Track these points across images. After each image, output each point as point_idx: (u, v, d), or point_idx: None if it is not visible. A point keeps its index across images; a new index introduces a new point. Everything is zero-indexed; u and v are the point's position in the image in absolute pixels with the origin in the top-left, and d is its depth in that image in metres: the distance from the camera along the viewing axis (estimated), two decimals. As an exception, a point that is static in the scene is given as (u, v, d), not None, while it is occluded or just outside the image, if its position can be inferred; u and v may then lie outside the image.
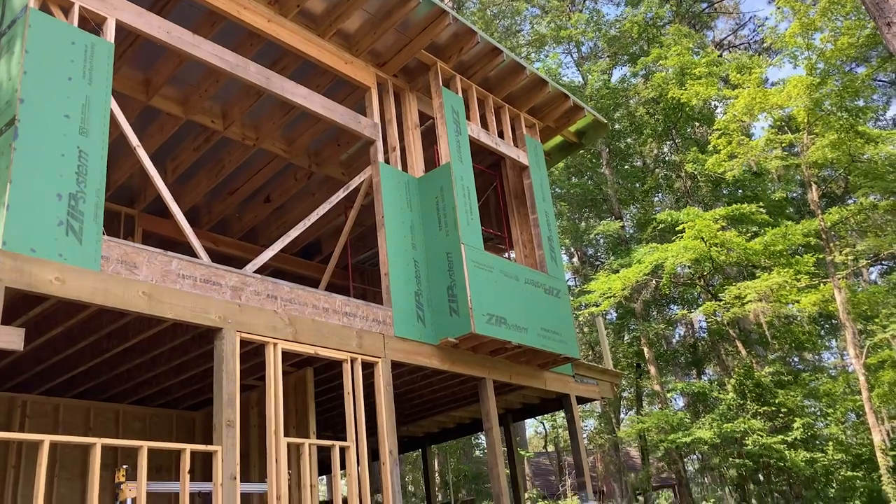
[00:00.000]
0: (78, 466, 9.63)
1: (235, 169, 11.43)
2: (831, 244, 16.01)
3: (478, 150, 11.57)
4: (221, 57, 8.07)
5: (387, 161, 9.97)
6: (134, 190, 11.84)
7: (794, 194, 26.43)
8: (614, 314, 27.93)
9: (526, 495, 23.69)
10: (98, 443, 5.56)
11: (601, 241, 30.31)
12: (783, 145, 17.04)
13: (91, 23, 6.93)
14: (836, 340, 27.47)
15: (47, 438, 5.28)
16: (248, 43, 9.19)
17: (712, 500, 21.69)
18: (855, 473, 16.59)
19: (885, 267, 28.20)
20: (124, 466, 6.19)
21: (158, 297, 6.42)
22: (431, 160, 11.06)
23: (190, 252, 7.38)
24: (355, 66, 9.82)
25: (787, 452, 16.52)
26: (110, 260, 6.18)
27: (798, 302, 16.39)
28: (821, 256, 16.96)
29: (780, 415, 17.66)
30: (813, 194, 16.01)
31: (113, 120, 6.81)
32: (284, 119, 10.51)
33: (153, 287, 6.42)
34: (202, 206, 12.63)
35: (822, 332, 25.36)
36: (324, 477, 18.98)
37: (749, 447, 17.13)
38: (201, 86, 9.81)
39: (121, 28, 7.31)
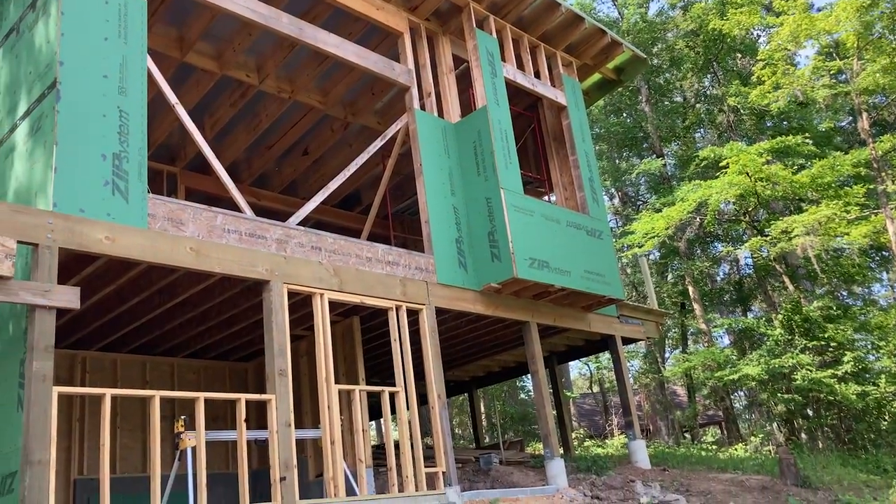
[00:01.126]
0: (138, 418, 10.00)
1: (272, 123, 11.46)
2: (883, 173, 15.52)
3: (514, 91, 11.40)
4: (253, 9, 8.02)
5: (422, 107, 9.88)
6: (174, 148, 11.96)
7: (843, 124, 25.56)
8: (658, 254, 27.65)
9: (573, 435, 23.96)
10: (157, 395, 5.75)
11: (643, 180, 29.81)
12: (831, 73, 16.43)
13: (122, -19, 6.91)
14: (888, 273, 26.89)
15: (109, 392, 5.47)
16: (278, -7, 9.09)
17: (760, 435, 21.68)
18: (907, 405, 16.38)
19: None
20: (182, 417, 6.40)
21: (206, 253, 6.53)
22: (467, 104, 10.93)
23: (232, 207, 7.46)
24: (387, 11, 9.68)
25: (837, 386, 16.33)
26: (157, 217, 6.28)
27: (848, 234, 15.99)
28: (871, 187, 16.47)
29: (830, 349, 17.40)
30: (864, 122, 15.46)
31: (150, 78, 6.85)
32: (318, 70, 10.45)
33: (200, 242, 6.52)
34: (242, 161, 12.72)
35: (873, 265, 24.80)
36: (373, 422, 19.41)
37: (798, 382, 16.96)
38: (235, 40, 9.78)
39: (152, -15, 7.29)
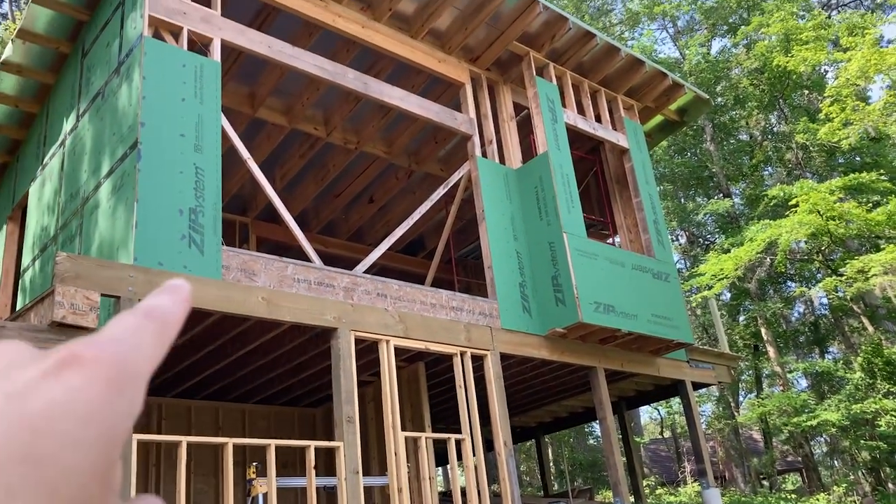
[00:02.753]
0: (211, 463, 10.22)
1: (339, 173, 11.79)
2: (964, 209, 14.91)
3: (575, 136, 11.46)
4: (320, 66, 8.34)
5: (484, 154, 10.03)
6: (246, 198, 12.41)
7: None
8: (728, 295, 26.98)
9: (644, 482, 23.31)
10: (230, 442, 5.91)
11: (710, 220, 29.29)
12: (904, 107, 15.97)
13: (198, 44, 7.32)
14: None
15: (185, 440, 5.65)
16: (344, 49, 9.45)
17: (844, 485, 20.66)
18: None
19: None
20: (255, 463, 6.54)
21: (276, 302, 6.73)
22: (528, 150, 11.04)
23: (301, 255, 7.68)
24: (448, 63, 9.92)
25: (925, 433, 15.54)
26: (230, 269, 6.53)
27: (929, 273, 15.35)
28: (953, 223, 15.81)
29: (916, 394, 16.61)
30: (941, 157, 14.94)
31: (224, 134, 7.19)
32: (383, 121, 10.75)
33: (271, 292, 6.73)
34: (310, 210, 13.09)
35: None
36: (440, 468, 19.32)
37: (882, 429, 16.19)
38: (303, 95, 10.17)
39: (225, 46, 7.68)
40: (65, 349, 0.33)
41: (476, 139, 9.82)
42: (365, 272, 7.85)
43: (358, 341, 7.46)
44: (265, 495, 6.24)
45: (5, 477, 0.29)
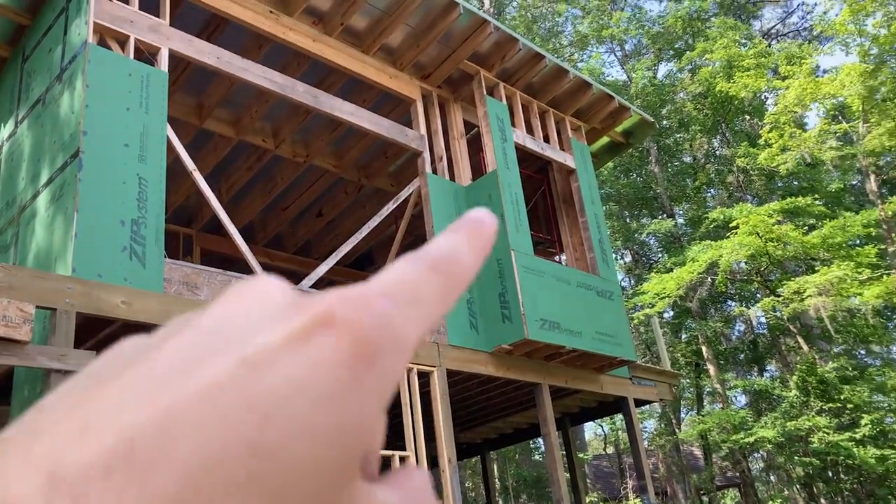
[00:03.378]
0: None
1: (288, 186, 11.71)
2: (893, 234, 15.53)
3: (524, 155, 11.61)
4: (270, 79, 8.29)
5: (434, 171, 10.08)
6: (191, 210, 12.21)
7: (853, 183, 25.71)
8: (670, 313, 27.54)
9: (587, 499, 23.51)
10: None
11: (653, 240, 29.93)
12: (837, 135, 16.62)
13: (146, 53, 7.21)
14: (904, 332, 26.56)
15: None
16: (294, 63, 9.42)
17: (779, 500, 21.20)
18: (929, 470, 16.04)
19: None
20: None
21: (219, 316, 6.62)
22: (478, 167, 11.14)
23: (247, 269, 7.59)
24: (400, 79, 9.97)
25: (855, 450, 16.05)
26: (172, 282, 6.41)
27: (861, 295, 15.94)
28: (883, 247, 16.48)
29: (847, 411, 17.17)
30: (871, 184, 15.58)
31: (169, 145, 7.08)
32: (333, 135, 10.73)
33: (214, 306, 6.62)
34: (257, 222, 12.95)
35: (890, 325, 24.59)
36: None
37: (815, 445, 16.69)
38: (252, 107, 10.08)
39: (173, 56, 7.58)
40: (322, 303, 0.26)
41: (426, 155, 9.87)
42: (312, 287, 7.79)
43: (303, 357, 7.37)
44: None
45: (229, 469, 0.22)
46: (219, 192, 11.57)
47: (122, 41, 7.03)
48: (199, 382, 0.24)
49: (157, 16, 7.41)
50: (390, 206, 9.33)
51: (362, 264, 14.69)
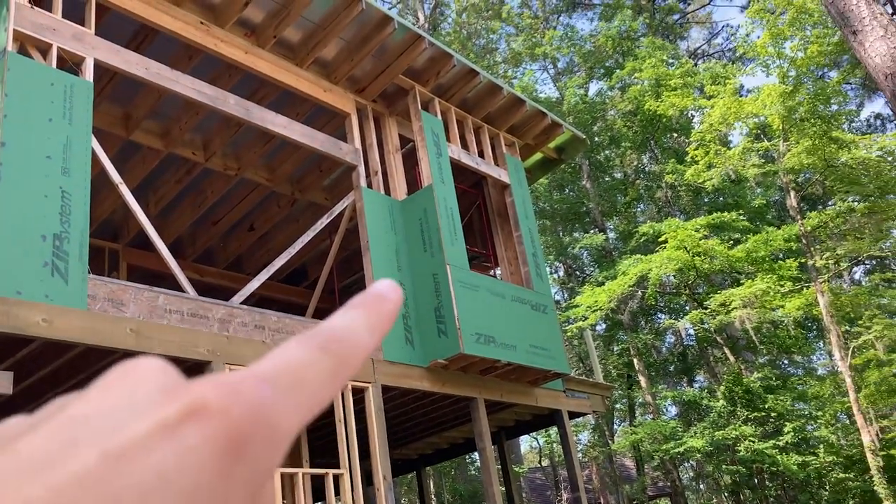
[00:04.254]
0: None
1: (218, 199, 11.47)
2: (812, 248, 16.21)
3: (460, 170, 11.67)
4: (200, 90, 8.13)
5: (369, 185, 10.04)
6: (117, 224, 11.84)
7: (775, 199, 26.76)
8: (603, 326, 28.04)
9: (522, 512, 23.61)
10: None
11: (586, 254, 30.47)
12: (760, 153, 17.28)
13: (69, 63, 6.98)
14: (824, 342, 27.71)
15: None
16: (226, 74, 9.26)
17: (708, 508, 21.73)
18: (847, 475, 16.67)
19: (867, 267, 28.55)
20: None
21: (146, 334, 6.43)
22: (414, 182, 11.15)
23: (176, 284, 7.39)
24: (334, 93, 9.91)
25: (779, 457, 16.60)
26: (97, 298, 6.19)
27: (783, 307, 16.55)
28: (803, 261, 17.17)
29: (771, 419, 17.76)
30: (792, 200, 16.22)
31: (94, 157, 6.85)
32: (265, 148, 10.58)
33: (141, 324, 6.43)
34: (186, 237, 12.64)
35: (810, 336, 25.59)
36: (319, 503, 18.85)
37: (742, 453, 17.19)
38: (181, 119, 9.86)
39: (99, 66, 7.36)
40: (196, 390, 0.26)
41: (361, 169, 9.82)
42: (243, 303, 7.63)
43: (234, 374, 7.21)
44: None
45: None
46: (146, 206, 11.25)
47: (45, 50, 6.79)
48: (60, 477, 0.22)
49: (83, 24, 7.18)
50: (324, 221, 9.24)
51: (296, 280, 14.49)
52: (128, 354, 6.93)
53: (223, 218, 12.12)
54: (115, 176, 7.21)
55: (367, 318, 0.31)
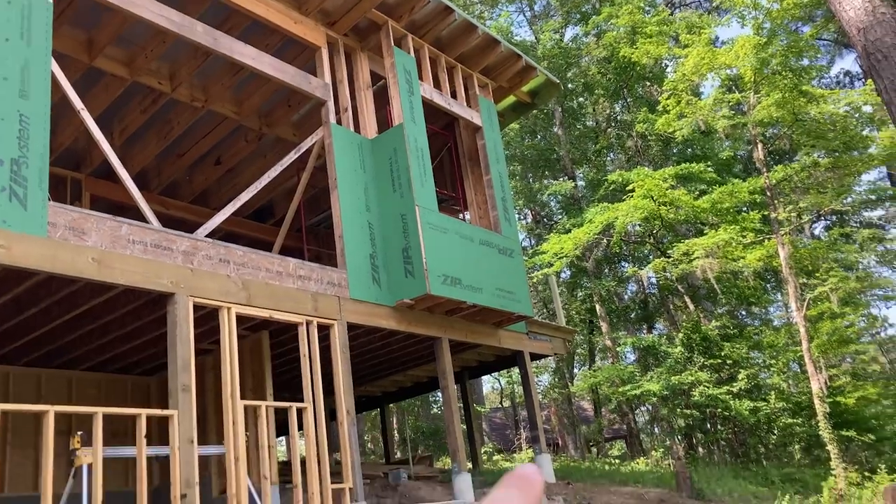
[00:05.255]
0: (31, 435, 9.55)
1: (184, 131, 11.25)
2: (776, 201, 16.46)
3: (431, 110, 11.56)
4: (167, 17, 7.88)
5: (339, 122, 9.91)
6: (79, 153, 11.57)
7: (742, 153, 26.97)
8: (567, 273, 28.36)
9: (483, 449, 24.21)
10: (51, 410, 5.55)
11: (554, 201, 30.58)
12: (731, 104, 17.35)
13: (28, -19, 6.70)
14: (781, 295, 28.42)
15: (-1, 407, 5.25)
16: (194, 1, 8.97)
17: (661, 449, 22.48)
18: (794, 420, 17.31)
19: (826, 222, 29.12)
20: (79, 433, 6.18)
21: (109, 263, 6.35)
22: (384, 121, 11.02)
23: (140, 216, 7.29)
24: (305, 25, 9.67)
25: (732, 402, 17.15)
26: (58, 226, 6.08)
27: (744, 258, 16.86)
28: (766, 213, 17.45)
29: (726, 367, 18.27)
30: (759, 152, 16.38)
31: (55, 82, 6.65)
32: (234, 80, 10.34)
33: (103, 253, 6.35)
34: (151, 169, 12.41)
35: (769, 287, 26.17)
36: (282, 438, 19.10)
37: (696, 398, 17.72)
38: (147, 46, 9.57)
39: (60, -14, 7.08)
40: None
41: (331, 105, 9.67)
42: (209, 237, 7.56)
43: (197, 308, 7.20)
44: (90, 466, 5.92)
45: None
46: (110, 136, 11.00)
47: (1, -35, 6.49)
48: None
49: (41, -60, 6.87)
50: (292, 156, 9.13)
51: (263, 216, 14.37)
52: (90, 284, 6.87)
53: (189, 150, 11.90)
54: (76, 102, 7.02)
55: (522, 497, 0.42)
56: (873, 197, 22.22)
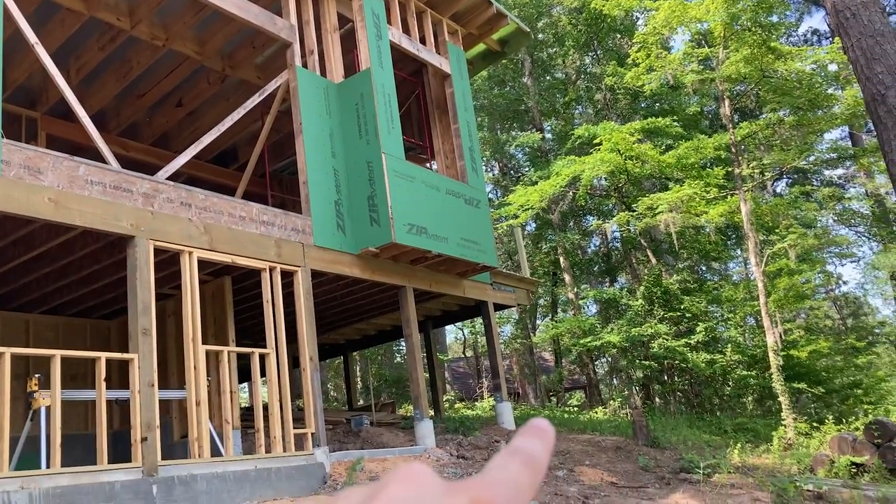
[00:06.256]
0: (-13, 377, 9.41)
1: (144, 71, 10.90)
2: (740, 157, 16.61)
3: (399, 56, 11.36)
4: (125, -52, 7.56)
5: (304, 65, 9.69)
6: (35, 91, 11.18)
7: (709, 108, 27.08)
8: (533, 225, 28.48)
9: (445, 397, 24.54)
10: (7, 352, 5.46)
11: (522, 153, 30.51)
12: (700, 59, 17.34)
13: None
14: (741, 250, 28.97)
15: (-47, 348, 5.15)
16: (153, -66, 8.62)
17: (619, 399, 23.02)
18: (749, 373, 17.81)
19: (789, 180, 29.56)
20: (37, 375, 6.10)
21: (66, 204, 6.20)
22: (351, 66, 10.81)
23: (98, 158, 7.09)
24: (270, -37, 9.37)
25: (689, 354, 17.56)
26: (12, 165, 5.90)
27: (707, 213, 17.07)
28: (730, 169, 17.62)
29: (685, 320, 18.65)
30: (725, 108, 16.46)
31: (7, 14, 6.37)
32: (196, 18, 10.01)
33: (60, 193, 6.18)
34: (110, 109, 12.06)
35: (730, 243, 26.62)
36: (245, 384, 19.14)
37: (655, 350, 18.10)
38: (104, -21, 9.19)
39: (10, -89, 6.73)
40: (471, 490, 0.40)
41: (296, 47, 9.45)
42: (170, 180, 7.41)
43: (158, 251, 7.10)
44: (48, 408, 5.87)
45: None
46: (67, 74, 10.62)
47: None
48: None
49: None
50: (256, 99, 8.93)
51: (226, 161, 14.11)
52: (47, 225, 6.71)
53: (149, 91, 11.57)
54: (30, 36, 6.75)
55: (543, 444, 0.45)
56: (834, 156, 22.57)
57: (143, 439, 6.15)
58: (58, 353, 5.82)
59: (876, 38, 8.61)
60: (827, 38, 30.71)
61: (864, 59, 8.61)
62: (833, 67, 16.68)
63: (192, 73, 11.37)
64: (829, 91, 16.53)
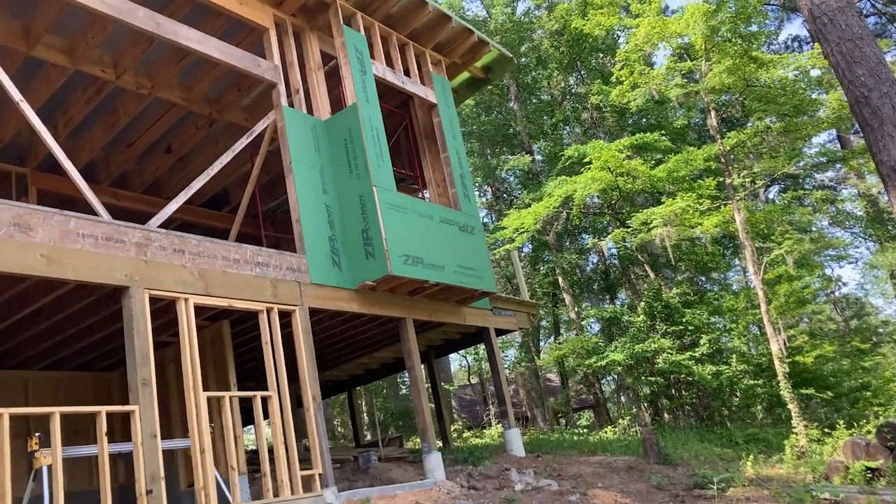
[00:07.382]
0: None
1: (132, 120, 10.94)
2: (730, 167, 16.66)
3: (385, 89, 11.41)
4: (106, 2, 7.63)
5: (291, 104, 9.73)
6: (24, 147, 11.20)
7: (696, 120, 27.23)
8: (529, 247, 28.47)
9: (453, 427, 24.35)
10: (5, 413, 5.39)
11: (513, 176, 30.60)
12: (683, 73, 17.47)
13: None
14: (739, 259, 28.96)
15: (-50, 412, 5.08)
16: (133, -15, 8.68)
17: (628, 417, 22.83)
18: (756, 382, 17.70)
19: (780, 186, 29.65)
20: (37, 434, 6.02)
21: (59, 259, 6.17)
22: (337, 102, 10.85)
23: (90, 210, 7.08)
24: (251, 6, 9.45)
25: (694, 367, 17.46)
26: (2, 223, 5.88)
27: (701, 224, 17.08)
28: (721, 180, 17.66)
29: (688, 333, 18.57)
30: (712, 120, 16.54)
31: (-10, 73, 6.39)
32: (180, 65, 10.07)
33: (52, 248, 6.16)
34: (99, 160, 12.08)
35: (727, 253, 26.61)
36: (250, 427, 18.96)
37: (660, 365, 18.00)
38: (88, 33, 9.25)
39: (-10, -27, 6.79)
40: None
41: (281, 87, 9.49)
42: (163, 227, 7.39)
43: (154, 300, 7.05)
44: (50, 467, 5.78)
45: None
46: (54, 128, 10.66)
47: (-75, -48, 6.20)
48: None
49: (-33, -76, 6.57)
50: (244, 141, 8.94)
51: (218, 204, 14.11)
52: (41, 281, 6.66)
53: (138, 139, 11.60)
54: (14, 94, 6.77)
55: None
56: (824, 159, 22.66)
57: (149, 492, 6.06)
58: (56, 411, 5.74)
59: (855, 41, 8.68)
60: (808, 44, 31.03)
61: (845, 63, 8.67)
62: (815, 72, 16.80)
63: (179, 119, 11.42)
64: (814, 96, 16.63)
